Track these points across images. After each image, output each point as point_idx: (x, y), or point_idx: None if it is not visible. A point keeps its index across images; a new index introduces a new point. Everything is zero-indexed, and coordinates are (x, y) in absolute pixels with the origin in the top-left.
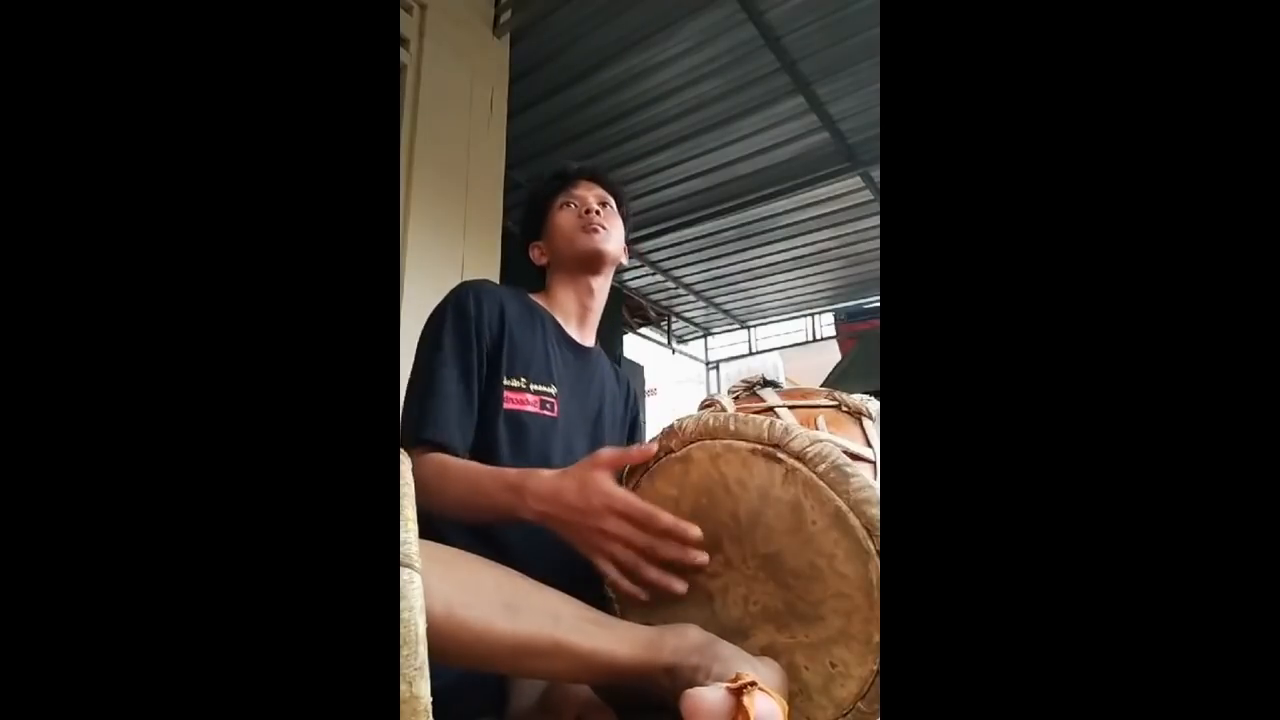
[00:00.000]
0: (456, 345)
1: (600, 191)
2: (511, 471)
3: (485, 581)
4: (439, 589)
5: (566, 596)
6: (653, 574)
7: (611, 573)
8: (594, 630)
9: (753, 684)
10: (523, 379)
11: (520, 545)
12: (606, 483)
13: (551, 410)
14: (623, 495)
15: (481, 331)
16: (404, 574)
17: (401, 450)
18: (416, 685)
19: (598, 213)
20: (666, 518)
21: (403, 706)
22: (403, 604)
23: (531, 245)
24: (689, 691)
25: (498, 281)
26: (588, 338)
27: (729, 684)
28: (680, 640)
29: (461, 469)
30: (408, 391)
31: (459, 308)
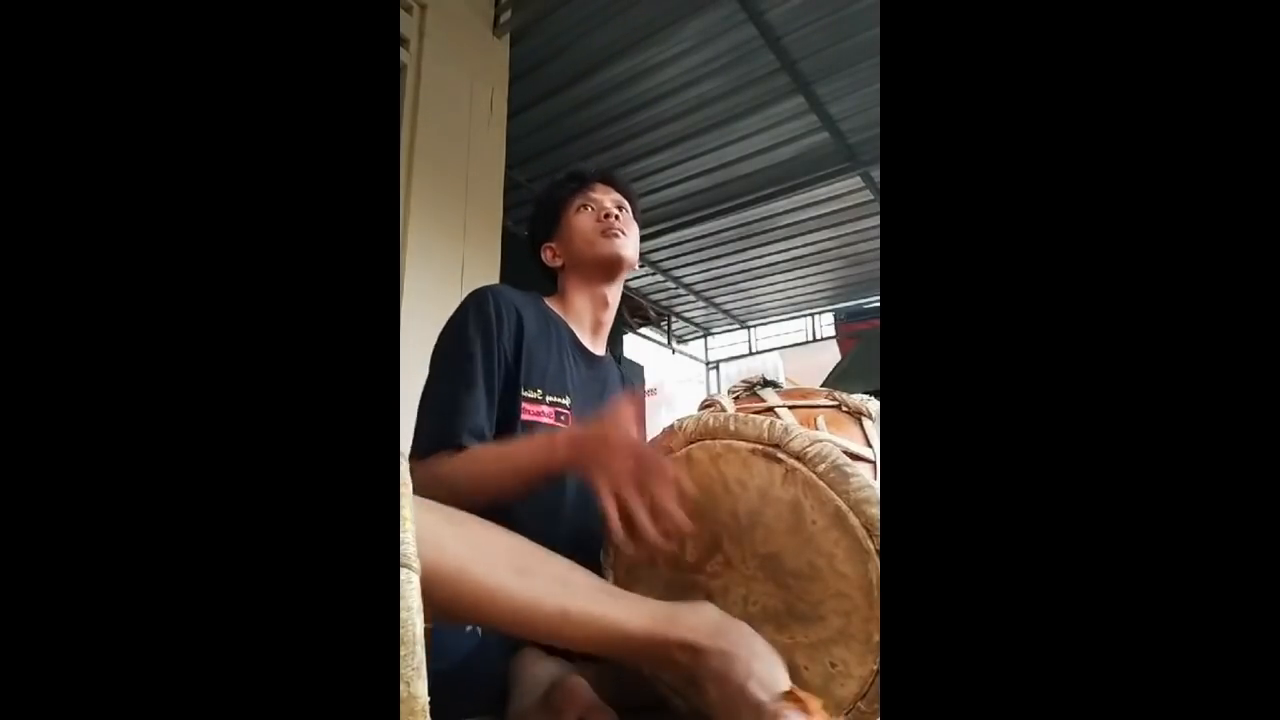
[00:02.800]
0: (479, 347)
1: (617, 196)
2: (528, 442)
3: (498, 543)
4: (452, 546)
5: (578, 566)
6: (646, 526)
7: (612, 511)
8: (605, 599)
9: None
10: (539, 390)
11: (532, 525)
12: (628, 425)
13: (565, 422)
14: (639, 440)
15: (502, 334)
16: (401, 574)
17: (404, 454)
18: (414, 685)
19: (616, 217)
20: (669, 468)
21: (400, 706)
22: (400, 604)
23: (544, 247)
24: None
25: (497, 282)
26: (599, 346)
27: (794, 703)
28: (699, 618)
29: (488, 452)
30: (431, 393)
31: (480, 311)
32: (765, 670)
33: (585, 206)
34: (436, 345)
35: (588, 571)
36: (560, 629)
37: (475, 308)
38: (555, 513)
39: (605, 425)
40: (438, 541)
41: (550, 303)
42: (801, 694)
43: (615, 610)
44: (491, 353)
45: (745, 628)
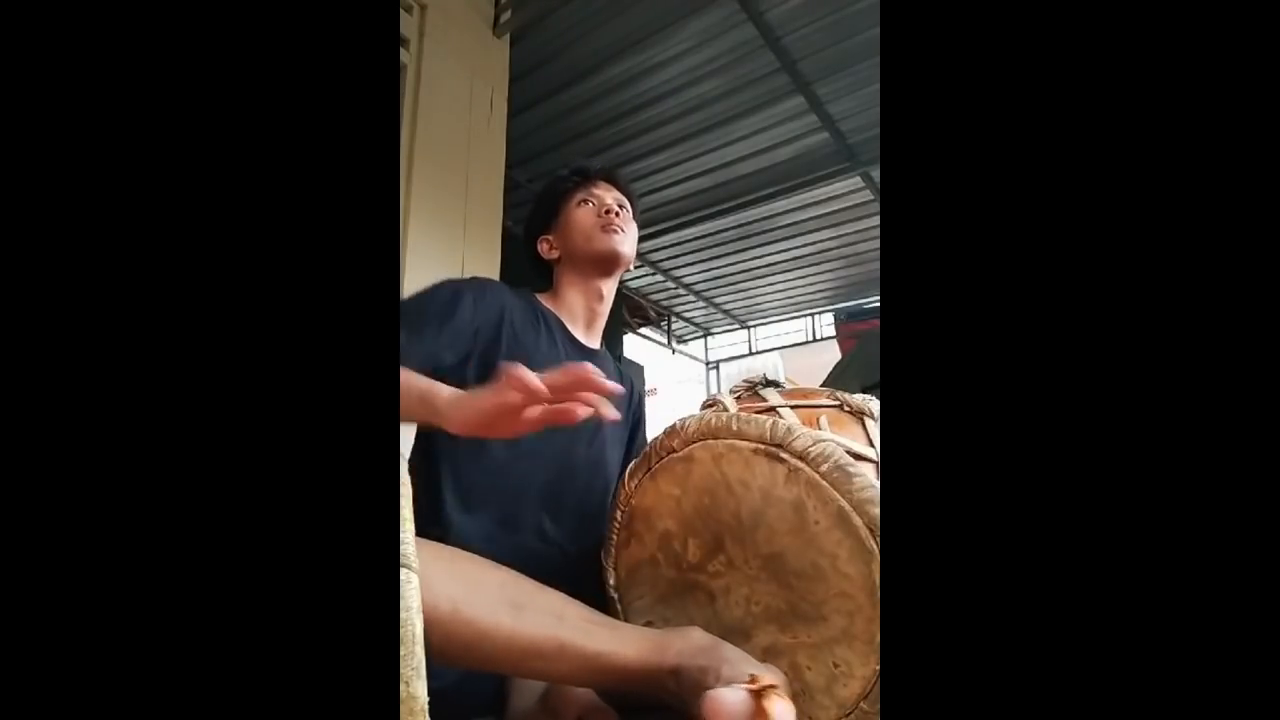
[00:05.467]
0: (467, 294)
1: (618, 194)
2: (423, 383)
3: (490, 580)
4: (445, 587)
5: (570, 598)
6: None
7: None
8: (598, 631)
9: (772, 687)
10: None
11: (520, 553)
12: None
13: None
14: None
15: (486, 300)
16: (401, 574)
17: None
18: (413, 685)
19: (616, 214)
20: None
21: (400, 706)
22: (400, 604)
23: (540, 239)
24: (710, 693)
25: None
26: (594, 340)
27: (750, 686)
28: (685, 642)
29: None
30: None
31: (471, 280)
32: (732, 671)
33: (586, 201)
34: (419, 291)
35: (579, 603)
36: (556, 664)
37: (466, 279)
38: (522, 530)
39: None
40: (428, 581)
41: (543, 298)
42: (761, 677)
43: (610, 643)
44: (477, 302)
45: (731, 646)
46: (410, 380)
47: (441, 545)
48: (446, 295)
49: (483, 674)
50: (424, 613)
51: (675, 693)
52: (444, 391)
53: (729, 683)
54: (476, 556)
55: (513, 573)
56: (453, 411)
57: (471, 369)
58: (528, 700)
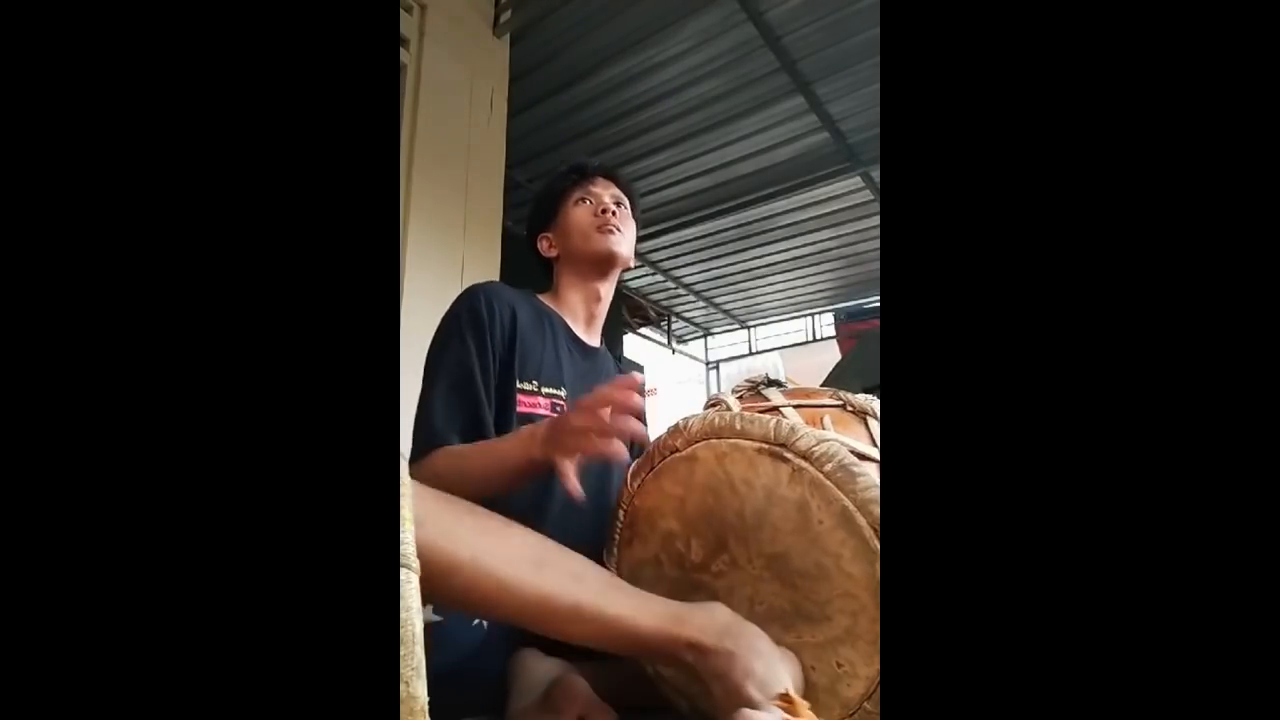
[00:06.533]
0: (469, 345)
1: (616, 191)
2: (508, 439)
3: (515, 537)
4: (470, 538)
5: (591, 563)
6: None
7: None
8: (616, 596)
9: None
10: (534, 382)
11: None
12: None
13: (561, 413)
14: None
15: (494, 331)
16: (401, 574)
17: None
18: (413, 685)
19: (614, 213)
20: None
21: (400, 706)
22: (400, 604)
23: (540, 236)
24: (744, 712)
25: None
26: (594, 337)
27: (783, 705)
28: (706, 618)
29: (474, 448)
30: (426, 396)
31: (471, 309)
32: (764, 670)
33: (584, 200)
34: (430, 347)
35: (600, 568)
36: (572, 625)
37: (466, 307)
38: (539, 520)
39: (577, 410)
40: (455, 533)
41: (544, 297)
42: (795, 697)
43: (627, 608)
44: (485, 351)
45: (754, 629)
46: (492, 441)
47: (468, 502)
48: (479, 303)
49: (484, 670)
50: (444, 560)
51: (692, 666)
52: (533, 426)
53: (757, 683)
54: (503, 516)
55: (537, 534)
56: (547, 446)
57: (494, 372)
58: (528, 698)
